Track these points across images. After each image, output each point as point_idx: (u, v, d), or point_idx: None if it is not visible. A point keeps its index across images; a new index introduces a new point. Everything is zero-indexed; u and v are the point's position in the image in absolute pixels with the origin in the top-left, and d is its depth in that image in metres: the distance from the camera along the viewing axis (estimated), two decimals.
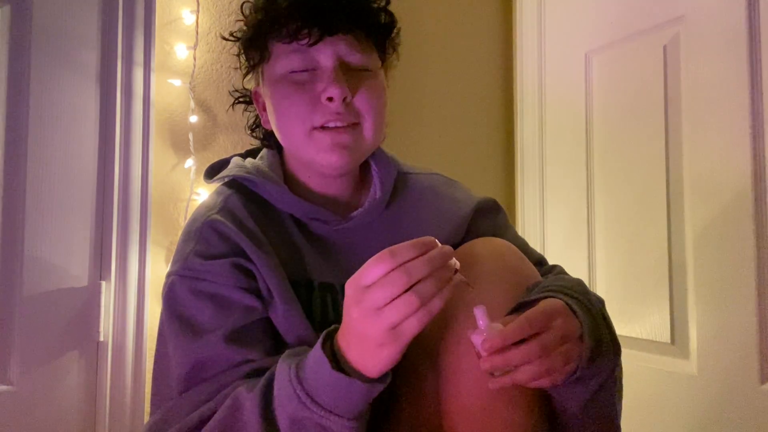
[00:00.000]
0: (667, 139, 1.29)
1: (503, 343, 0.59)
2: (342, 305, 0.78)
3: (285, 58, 0.75)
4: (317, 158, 0.76)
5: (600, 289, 1.40)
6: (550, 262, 0.89)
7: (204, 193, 1.33)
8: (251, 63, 0.81)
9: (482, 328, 0.60)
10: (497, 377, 0.61)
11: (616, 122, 1.43)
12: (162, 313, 0.75)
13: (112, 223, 1.26)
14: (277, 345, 0.73)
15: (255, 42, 0.78)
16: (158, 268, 1.31)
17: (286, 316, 0.73)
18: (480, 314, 0.60)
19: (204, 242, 0.75)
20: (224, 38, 0.85)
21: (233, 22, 1.41)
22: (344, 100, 0.74)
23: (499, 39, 1.79)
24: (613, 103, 1.43)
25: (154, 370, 0.76)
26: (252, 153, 0.90)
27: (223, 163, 0.87)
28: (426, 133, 1.67)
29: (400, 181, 0.86)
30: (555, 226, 1.59)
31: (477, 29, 1.76)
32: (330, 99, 0.73)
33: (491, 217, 0.88)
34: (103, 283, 1.25)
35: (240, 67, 0.85)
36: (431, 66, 1.67)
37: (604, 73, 1.47)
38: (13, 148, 1.19)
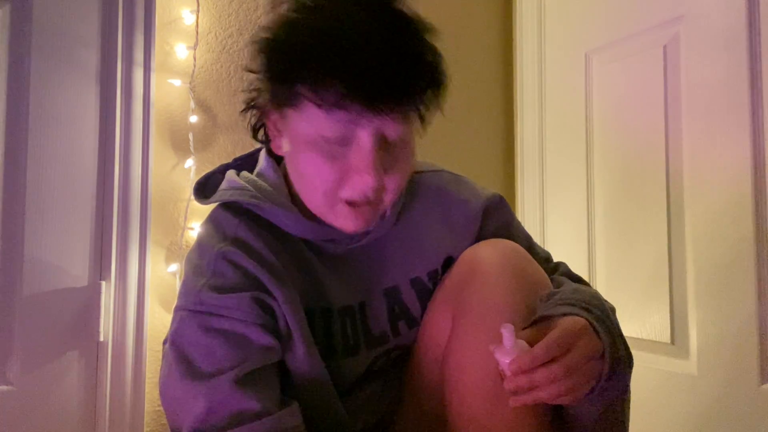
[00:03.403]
0: (667, 139, 1.29)
1: (531, 365, 0.59)
2: (360, 323, 0.77)
3: (317, 121, 0.65)
4: (335, 223, 0.72)
5: (600, 289, 1.40)
6: None
7: None
8: (275, 101, 0.69)
9: (509, 348, 0.59)
10: (519, 395, 0.61)
11: (616, 122, 1.43)
12: (168, 352, 0.69)
13: (112, 223, 1.26)
14: (285, 385, 0.71)
15: (283, 87, 0.67)
16: (158, 268, 1.31)
17: (306, 355, 0.70)
18: (507, 334, 0.59)
19: (219, 275, 0.69)
20: (249, 70, 0.72)
21: (233, 22, 1.41)
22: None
23: (499, 39, 1.79)
24: (613, 102, 1.43)
25: (165, 393, 0.70)
26: (244, 161, 0.83)
27: (210, 177, 0.81)
28: (426, 132, 1.66)
29: (408, 183, 0.82)
30: (555, 226, 1.59)
31: (477, 29, 1.76)
32: (361, 179, 0.67)
33: (499, 216, 0.86)
34: (103, 283, 1.25)
35: (250, 78, 0.72)
36: None
37: (604, 73, 1.47)
38: (13, 148, 1.19)
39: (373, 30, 0.63)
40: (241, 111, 0.75)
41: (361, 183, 0.66)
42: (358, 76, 0.61)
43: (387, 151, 0.68)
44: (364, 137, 0.65)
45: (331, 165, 0.67)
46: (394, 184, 0.70)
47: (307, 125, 0.66)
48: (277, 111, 0.70)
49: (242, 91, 0.75)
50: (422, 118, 0.70)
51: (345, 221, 0.70)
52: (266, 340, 0.68)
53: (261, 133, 0.77)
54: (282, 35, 0.66)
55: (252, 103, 0.74)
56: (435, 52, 0.69)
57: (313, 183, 0.69)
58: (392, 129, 0.66)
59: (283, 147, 0.73)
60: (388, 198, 0.71)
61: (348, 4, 0.64)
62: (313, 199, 0.71)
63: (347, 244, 0.76)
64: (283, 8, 0.68)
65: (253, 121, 0.75)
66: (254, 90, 0.72)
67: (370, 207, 0.70)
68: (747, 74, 1.13)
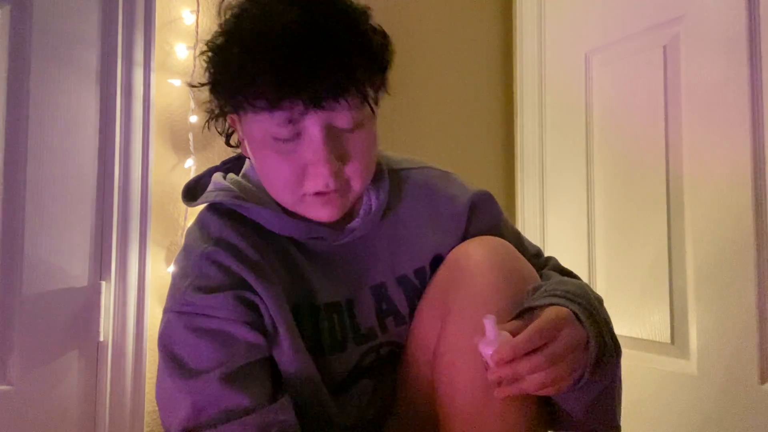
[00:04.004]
0: (667, 139, 1.29)
1: (513, 355, 0.59)
2: (347, 319, 0.77)
3: (265, 122, 0.66)
4: (308, 214, 0.73)
5: (600, 289, 1.40)
6: None
7: None
8: (224, 110, 0.72)
9: (491, 338, 0.59)
10: (504, 387, 0.61)
11: (616, 122, 1.43)
12: (159, 353, 0.71)
13: (112, 223, 1.26)
14: (276, 382, 0.71)
15: (225, 96, 0.69)
16: (158, 268, 1.31)
17: (292, 350, 0.70)
18: (489, 325, 0.59)
19: (203, 276, 0.70)
20: (191, 85, 0.78)
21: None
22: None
23: (499, 39, 1.79)
24: (613, 103, 1.43)
25: (158, 393, 0.72)
26: (232, 164, 0.84)
27: (199, 181, 0.81)
28: (426, 133, 1.67)
29: (394, 180, 0.82)
30: (555, 226, 1.59)
31: (477, 29, 1.76)
32: (316, 171, 0.68)
33: (487, 212, 0.85)
34: (103, 283, 1.25)
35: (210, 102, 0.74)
36: (431, 66, 1.67)
37: (604, 73, 1.47)
38: (13, 148, 1.19)
39: (298, 25, 0.63)
40: (206, 122, 0.76)
41: (317, 175, 0.68)
42: (287, 74, 0.62)
43: (340, 138, 0.68)
44: (311, 131, 0.66)
45: (287, 161, 0.68)
46: (356, 170, 0.70)
47: (257, 128, 0.68)
48: (232, 117, 0.72)
49: (206, 111, 0.76)
50: (372, 100, 0.69)
51: (316, 211, 0.71)
52: (252, 337, 0.69)
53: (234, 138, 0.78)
54: (215, 48, 0.69)
55: (214, 112, 0.75)
56: (370, 35, 0.68)
57: (275, 181, 0.71)
58: (339, 118, 0.67)
59: (249, 154, 0.74)
60: (357, 184, 0.71)
61: (275, 3, 0.65)
62: (280, 196, 0.73)
63: (333, 241, 0.76)
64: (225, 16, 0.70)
65: (225, 127, 0.76)
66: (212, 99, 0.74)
67: (339, 194, 0.71)
68: (747, 74, 1.13)
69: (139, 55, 1.30)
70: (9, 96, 1.19)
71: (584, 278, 0.89)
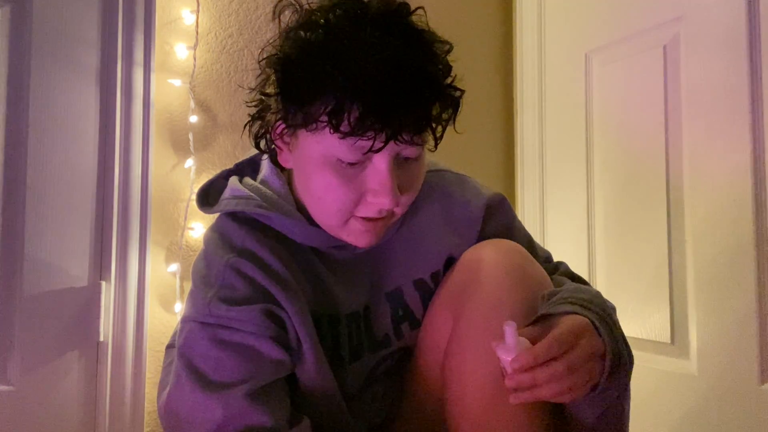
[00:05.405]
0: (667, 139, 1.28)
1: (533, 363, 0.59)
2: (363, 327, 0.77)
3: (334, 145, 0.64)
4: (346, 239, 0.71)
5: (600, 289, 1.40)
6: None
7: None
8: (288, 121, 0.67)
9: (511, 345, 0.60)
10: (520, 393, 0.61)
11: (616, 122, 1.43)
12: (177, 363, 0.69)
13: (112, 223, 1.26)
14: (295, 397, 0.71)
15: (299, 109, 0.64)
16: (158, 268, 1.31)
17: (315, 365, 0.70)
18: (510, 331, 0.60)
19: (228, 287, 0.69)
20: (263, 94, 0.69)
21: (233, 22, 1.41)
22: None
23: (499, 39, 1.79)
24: (613, 103, 1.43)
25: (174, 402, 0.69)
26: (246, 165, 0.81)
27: (212, 184, 0.79)
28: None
29: None
30: (555, 226, 1.59)
31: (477, 29, 1.76)
32: (377, 200, 0.67)
33: (501, 216, 0.86)
34: (103, 283, 1.25)
35: (257, 89, 0.70)
36: None
37: (604, 73, 1.47)
38: (13, 149, 1.19)
39: (389, 53, 0.62)
40: (246, 123, 0.73)
41: (377, 204, 0.67)
42: (377, 102, 0.61)
43: (402, 168, 0.68)
44: (382, 161, 0.65)
45: (347, 186, 0.66)
46: (407, 200, 0.70)
47: (322, 147, 0.65)
48: (289, 129, 0.68)
49: (246, 103, 0.73)
50: (437, 136, 0.69)
51: (357, 237, 0.70)
52: (277, 353, 0.68)
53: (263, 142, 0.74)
54: (297, 57, 0.64)
55: (258, 116, 0.72)
56: (448, 70, 0.68)
57: (327, 203, 0.68)
58: (409, 151, 0.66)
59: (291, 162, 0.72)
60: (400, 211, 0.71)
61: (362, 24, 0.63)
62: (326, 218, 0.71)
63: (354, 249, 0.76)
64: (293, 25, 0.67)
65: (255, 130, 0.73)
66: (261, 104, 0.70)
67: (383, 222, 0.70)
68: (747, 74, 1.13)
69: (139, 55, 1.30)
70: (9, 96, 1.19)
71: (584, 278, 0.89)
